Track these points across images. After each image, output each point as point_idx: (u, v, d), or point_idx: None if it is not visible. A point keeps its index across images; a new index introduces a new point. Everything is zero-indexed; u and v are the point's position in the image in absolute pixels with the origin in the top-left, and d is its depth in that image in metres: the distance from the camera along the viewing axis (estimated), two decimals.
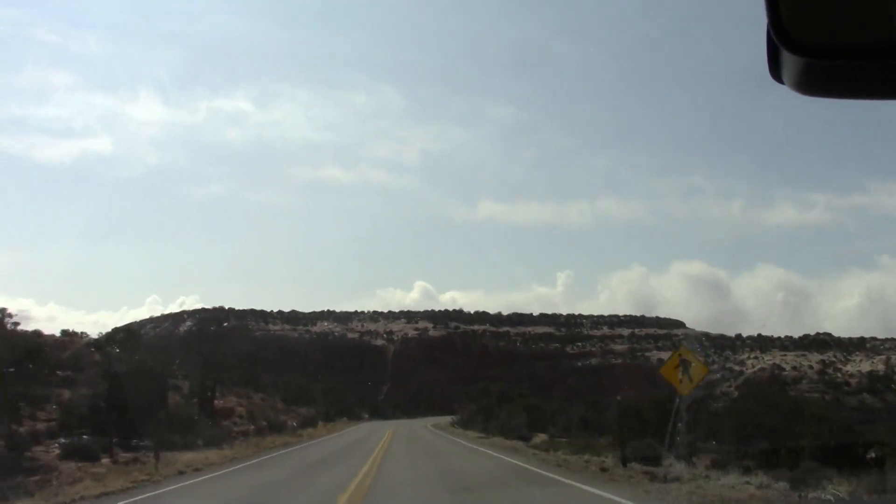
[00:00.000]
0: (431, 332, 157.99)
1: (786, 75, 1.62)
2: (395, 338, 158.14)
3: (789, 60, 1.58)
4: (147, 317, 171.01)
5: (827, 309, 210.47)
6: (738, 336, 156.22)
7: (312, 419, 54.65)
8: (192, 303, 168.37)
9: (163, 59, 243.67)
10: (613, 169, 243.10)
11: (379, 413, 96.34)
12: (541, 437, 32.98)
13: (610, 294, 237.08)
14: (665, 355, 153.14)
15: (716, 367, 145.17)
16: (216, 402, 33.95)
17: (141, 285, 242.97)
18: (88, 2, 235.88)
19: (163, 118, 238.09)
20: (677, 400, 18.38)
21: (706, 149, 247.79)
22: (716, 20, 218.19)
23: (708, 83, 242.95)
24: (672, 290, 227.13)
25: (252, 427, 33.98)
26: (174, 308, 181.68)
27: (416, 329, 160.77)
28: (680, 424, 18.11)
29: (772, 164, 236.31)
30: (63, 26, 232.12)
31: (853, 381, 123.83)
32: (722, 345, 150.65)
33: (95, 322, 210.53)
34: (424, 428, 57.50)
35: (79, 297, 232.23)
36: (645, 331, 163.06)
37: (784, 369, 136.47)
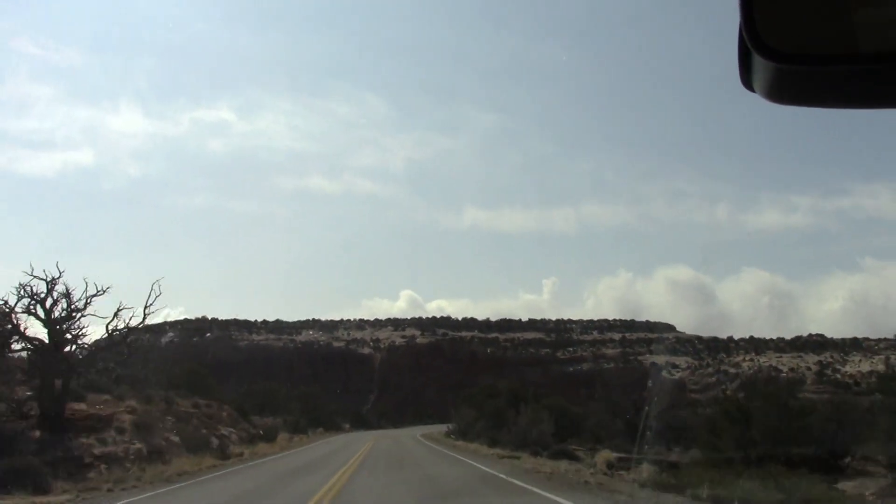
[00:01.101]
0: (419, 340, 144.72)
1: (757, 82, 1.54)
2: (382, 346, 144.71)
3: (761, 67, 1.50)
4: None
5: (812, 311, 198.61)
6: (731, 338, 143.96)
7: (272, 431, 40.13)
8: (176, 314, 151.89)
9: (144, 71, 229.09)
10: (598, 174, 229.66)
11: (362, 422, 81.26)
12: (603, 455, 18.67)
13: (596, 300, 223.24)
14: (658, 359, 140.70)
15: (710, 370, 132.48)
16: (67, 408, 19.44)
17: (124, 298, 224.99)
18: (69, 14, 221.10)
19: (145, 129, 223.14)
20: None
21: (690, 153, 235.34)
22: (698, 24, 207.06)
23: (691, 87, 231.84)
24: (658, 295, 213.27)
25: (138, 446, 19.59)
26: (157, 319, 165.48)
27: (404, 337, 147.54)
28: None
29: (755, 168, 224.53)
30: (44, 38, 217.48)
31: (861, 382, 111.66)
32: (715, 347, 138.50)
33: None
34: (414, 440, 42.89)
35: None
36: (636, 335, 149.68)
37: (781, 371, 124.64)
